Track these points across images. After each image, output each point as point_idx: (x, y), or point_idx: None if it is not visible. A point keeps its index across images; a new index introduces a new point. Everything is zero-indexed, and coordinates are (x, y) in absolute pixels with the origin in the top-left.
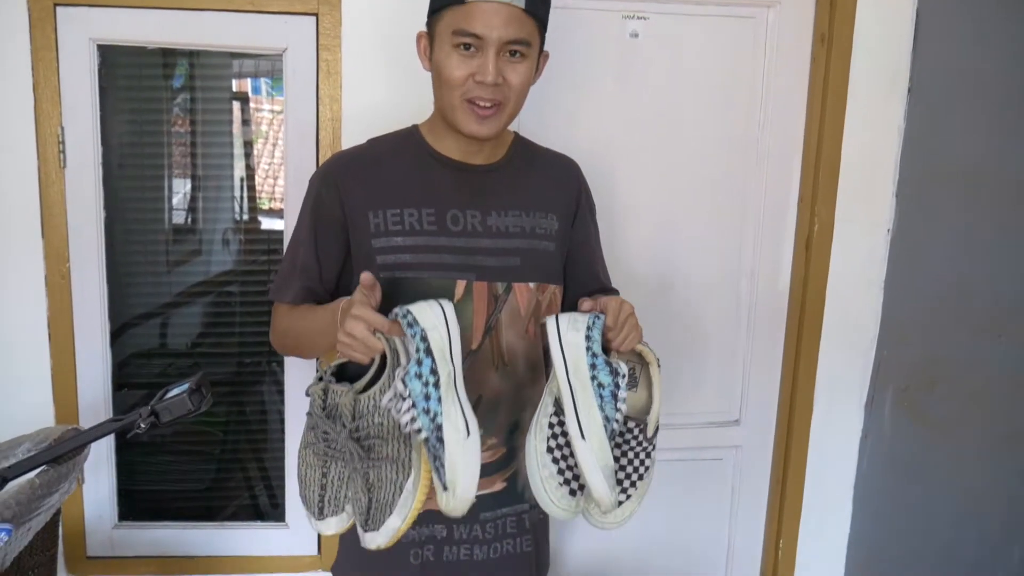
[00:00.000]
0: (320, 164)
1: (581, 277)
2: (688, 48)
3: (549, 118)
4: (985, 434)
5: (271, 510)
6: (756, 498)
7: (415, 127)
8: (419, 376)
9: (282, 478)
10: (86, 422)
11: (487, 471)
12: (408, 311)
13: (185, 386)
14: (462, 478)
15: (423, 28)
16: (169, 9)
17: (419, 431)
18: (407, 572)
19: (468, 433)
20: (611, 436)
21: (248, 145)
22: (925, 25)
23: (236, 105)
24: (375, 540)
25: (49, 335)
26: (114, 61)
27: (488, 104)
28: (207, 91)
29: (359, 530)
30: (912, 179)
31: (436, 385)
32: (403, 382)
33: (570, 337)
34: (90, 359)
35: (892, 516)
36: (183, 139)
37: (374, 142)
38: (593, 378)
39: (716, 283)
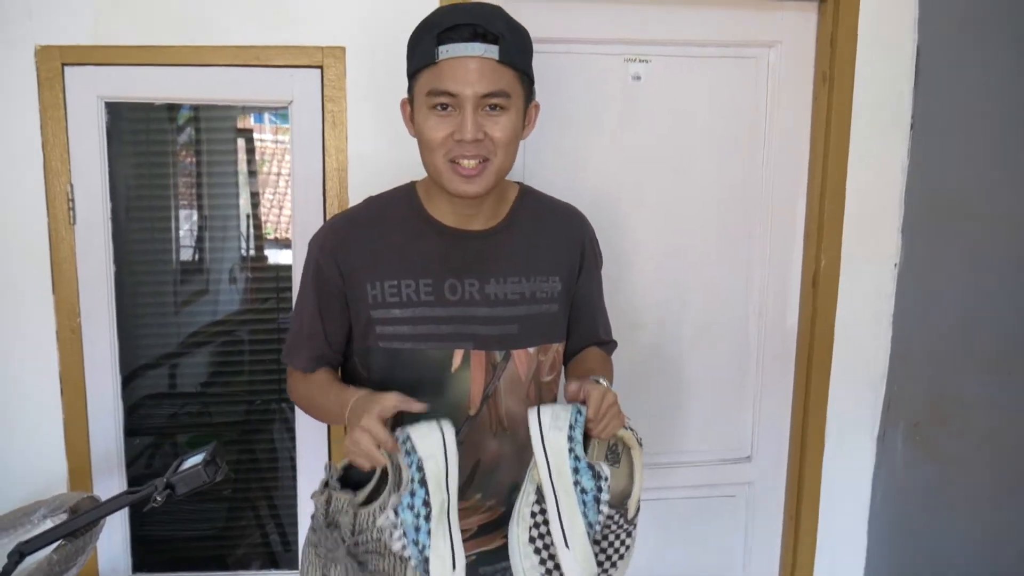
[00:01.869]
0: (322, 224)
1: (580, 332)
2: (690, 89)
3: (553, 161)
4: (999, 469)
5: (284, 555)
6: (770, 534)
7: (413, 187)
8: (411, 507)
9: (295, 522)
10: (99, 471)
11: (486, 530)
12: (408, 437)
13: (200, 456)
14: None
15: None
16: (175, 66)
17: (408, 558)
18: None
19: (454, 567)
20: (593, 539)
21: (252, 184)
22: (926, 61)
23: (241, 141)
24: None
25: (61, 388)
26: (120, 114)
27: (472, 163)
28: (211, 130)
29: None
30: (917, 214)
31: (427, 518)
32: (395, 512)
33: (552, 437)
34: (102, 409)
35: (907, 550)
36: (189, 178)
37: (371, 204)
38: (576, 483)
39: (725, 321)
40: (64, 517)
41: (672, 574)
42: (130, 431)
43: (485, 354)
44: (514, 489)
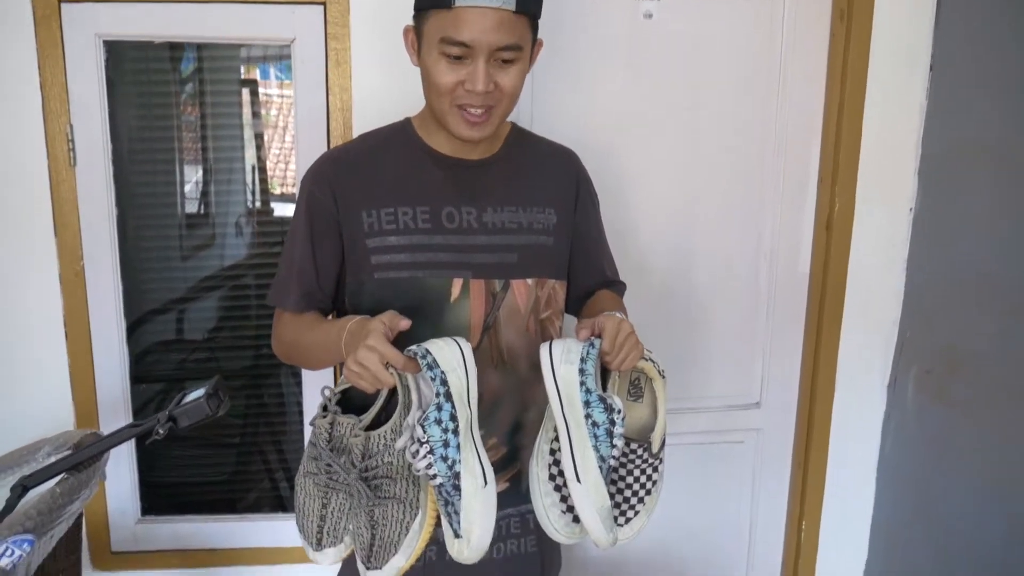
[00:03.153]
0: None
1: (584, 271)
2: (703, 27)
3: (562, 103)
4: (1011, 416)
5: (291, 501)
6: (778, 480)
7: (407, 121)
8: (439, 422)
9: None
10: (105, 417)
11: None
12: (427, 351)
13: (202, 391)
14: (478, 528)
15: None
16: (175, 3)
17: (434, 477)
18: (411, 573)
19: (485, 482)
20: (607, 473)
21: (258, 135)
22: (947, 0)
23: (245, 92)
24: None
25: (66, 333)
26: (121, 55)
27: (479, 113)
28: (216, 80)
29: (359, 564)
30: (934, 157)
31: (455, 432)
32: (422, 427)
33: (563, 371)
34: (107, 354)
35: (916, 497)
36: (193, 128)
37: (365, 138)
38: (587, 416)
39: (735, 266)
40: (68, 453)
41: (679, 520)
42: (137, 378)
43: (484, 283)
44: (516, 428)
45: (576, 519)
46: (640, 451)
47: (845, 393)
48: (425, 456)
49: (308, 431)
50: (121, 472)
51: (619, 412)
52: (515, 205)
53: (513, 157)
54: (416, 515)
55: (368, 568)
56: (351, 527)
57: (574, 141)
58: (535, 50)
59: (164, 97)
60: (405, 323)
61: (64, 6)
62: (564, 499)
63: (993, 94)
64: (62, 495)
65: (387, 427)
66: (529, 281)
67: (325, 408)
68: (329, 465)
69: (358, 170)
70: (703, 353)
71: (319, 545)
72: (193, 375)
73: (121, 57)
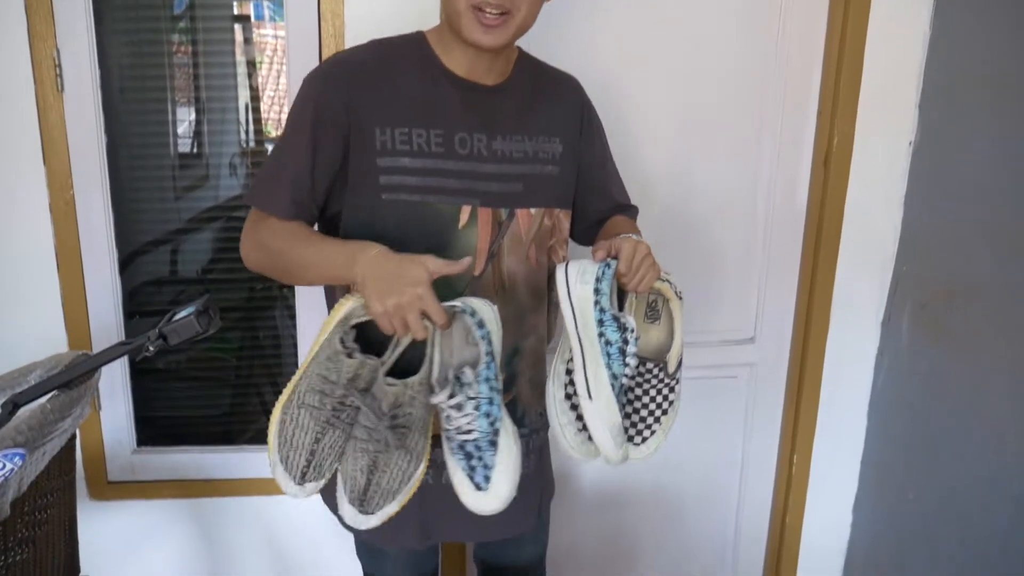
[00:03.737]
0: (318, 64)
1: (594, 197)
2: None
3: (561, 37)
4: (1006, 350)
5: None
6: (770, 415)
7: (422, 35)
8: (488, 380)
9: None
10: (98, 347)
11: None
12: (475, 310)
13: (192, 308)
14: (509, 482)
15: None
16: None
17: (470, 432)
18: None
19: (516, 440)
20: (620, 392)
21: (252, 66)
22: None
23: (238, 29)
24: (368, 522)
25: (57, 262)
26: None
27: (495, 13)
28: (208, 17)
29: (345, 505)
30: (937, 89)
31: (499, 390)
32: (476, 382)
33: (578, 290)
34: (100, 286)
35: (907, 433)
36: (185, 64)
37: (378, 47)
38: (600, 335)
39: (732, 199)
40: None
41: (673, 454)
42: (131, 313)
43: (491, 211)
44: (513, 354)
45: (591, 438)
46: (656, 371)
47: (839, 329)
48: (470, 412)
49: (303, 335)
50: (117, 403)
51: (632, 331)
52: (522, 134)
53: (522, 84)
54: (419, 465)
55: (361, 512)
56: (340, 467)
57: (573, 70)
58: None
59: (155, 32)
60: (459, 267)
61: None
62: (579, 418)
63: (996, 26)
64: (53, 411)
65: (416, 379)
66: (532, 210)
67: (345, 348)
68: (342, 403)
69: (374, 82)
70: (700, 287)
71: (302, 479)
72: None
73: None
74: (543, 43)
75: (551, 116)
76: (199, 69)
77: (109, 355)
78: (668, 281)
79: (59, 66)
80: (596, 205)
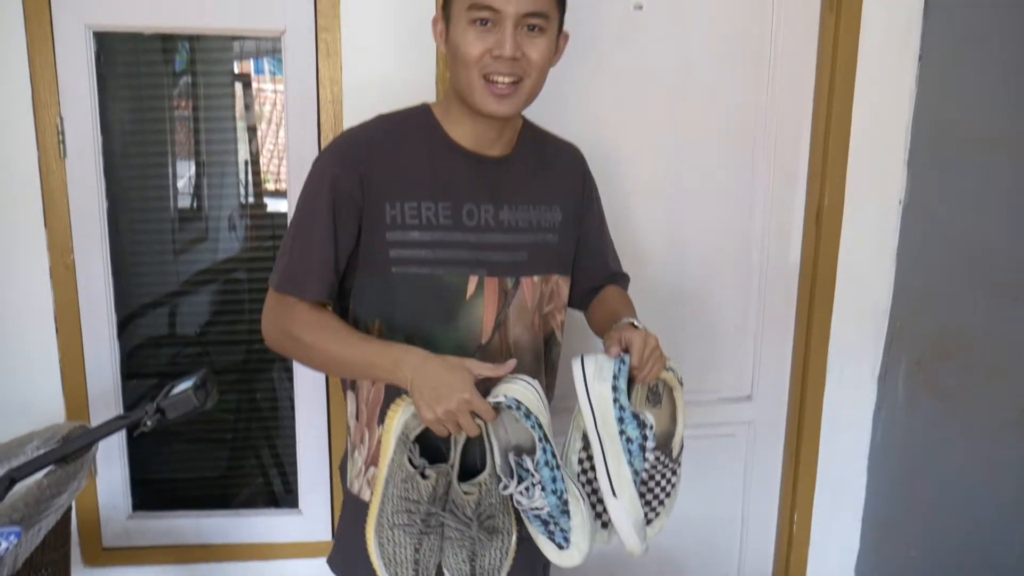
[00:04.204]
0: (327, 144)
1: (590, 267)
2: (694, 18)
3: (553, 95)
4: (1002, 404)
5: (285, 496)
6: (770, 473)
7: (427, 108)
8: (547, 463)
9: (295, 464)
10: (96, 413)
11: None
12: (518, 401)
13: (190, 382)
14: (587, 539)
15: (431, 10)
16: None
17: (541, 508)
18: None
19: (583, 500)
20: (639, 486)
21: (251, 131)
22: None
23: (238, 87)
24: None
25: (56, 327)
26: (112, 47)
27: (506, 81)
28: (208, 74)
29: None
30: (924, 146)
31: (558, 467)
32: (536, 471)
33: (597, 388)
34: (98, 349)
35: (907, 488)
36: (186, 122)
37: (385, 122)
38: (622, 432)
39: (726, 257)
40: (57, 446)
41: (673, 514)
42: (129, 374)
43: (498, 281)
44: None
45: (604, 525)
46: (662, 457)
47: (836, 385)
48: (538, 495)
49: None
50: (112, 467)
51: (651, 428)
52: (528, 203)
53: (526, 154)
54: (511, 538)
55: None
56: (444, 562)
57: (567, 131)
58: (560, 42)
59: (156, 90)
60: (504, 370)
61: None
62: (592, 506)
63: (981, 82)
64: (50, 487)
65: (485, 475)
66: (535, 278)
67: (415, 467)
68: (428, 516)
69: (384, 158)
70: (695, 346)
71: None
72: (185, 371)
73: (113, 50)
74: (536, 103)
75: (553, 185)
76: (199, 124)
77: (106, 429)
78: (671, 369)
79: (62, 132)
80: (591, 272)
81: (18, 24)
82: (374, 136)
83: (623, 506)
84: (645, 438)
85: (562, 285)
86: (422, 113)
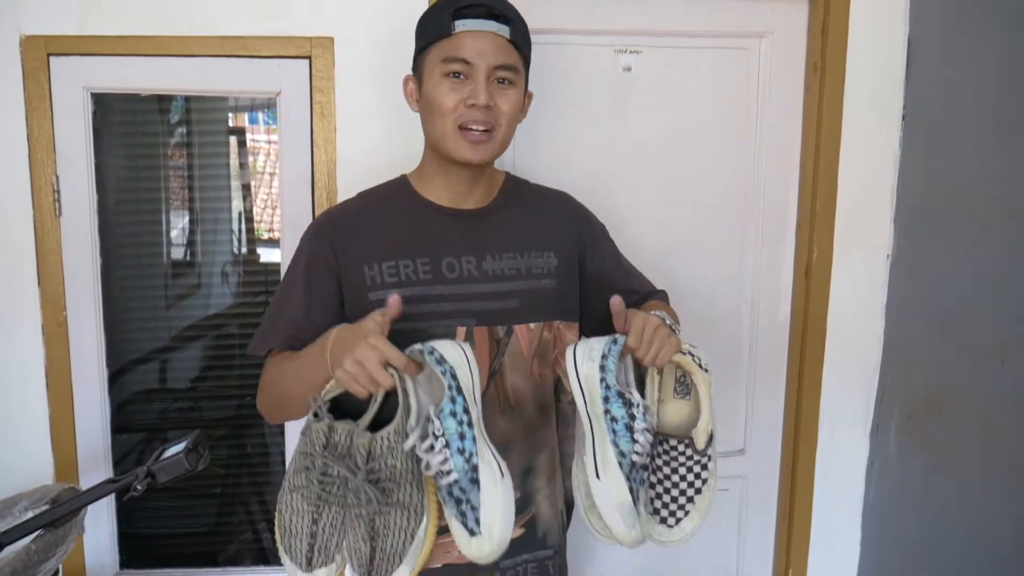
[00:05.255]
0: (314, 216)
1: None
2: (682, 80)
3: (544, 154)
4: (993, 459)
5: (273, 553)
6: (763, 527)
7: (404, 178)
8: (453, 414)
9: None
10: (85, 469)
11: None
12: (433, 348)
13: (182, 445)
14: (500, 520)
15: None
16: (162, 56)
17: (448, 473)
18: None
19: (502, 474)
20: (630, 470)
21: (245, 188)
22: (917, 50)
23: (232, 140)
24: None
25: (47, 384)
26: (109, 106)
27: (480, 129)
28: (203, 128)
29: None
30: (910, 204)
31: (470, 424)
32: (438, 419)
33: (585, 369)
34: (89, 405)
35: (902, 543)
36: (180, 173)
37: (363, 195)
38: (606, 412)
39: (717, 314)
40: (45, 509)
41: (664, 569)
42: (119, 428)
43: (488, 330)
44: (527, 472)
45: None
46: (683, 447)
47: (828, 439)
48: (441, 450)
49: (291, 448)
50: (100, 525)
51: (638, 406)
52: (514, 252)
53: (509, 204)
54: (421, 521)
55: None
56: (344, 543)
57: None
58: (526, 99)
59: (152, 146)
60: (395, 306)
61: (53, 59)
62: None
63: (965, 139)
64: (38, 552)
65: (390, 428)
66: (532, 325)
67: (316, 415)
68: (325, 472)
69: (358, 226)
70: None
71: (309, 566)
72: (176, 424)
73: (109, 107)
74: (525, 162)
75: (543, 231)
76: (193, 179)
77: (96, 493)
78: (691, 354)
79: (58, 192)
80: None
81: (17, 84)
82: (350, 206)
83: (606, 487)
84: (632, 417)
85: (565, 331)
86: (398, 182)
